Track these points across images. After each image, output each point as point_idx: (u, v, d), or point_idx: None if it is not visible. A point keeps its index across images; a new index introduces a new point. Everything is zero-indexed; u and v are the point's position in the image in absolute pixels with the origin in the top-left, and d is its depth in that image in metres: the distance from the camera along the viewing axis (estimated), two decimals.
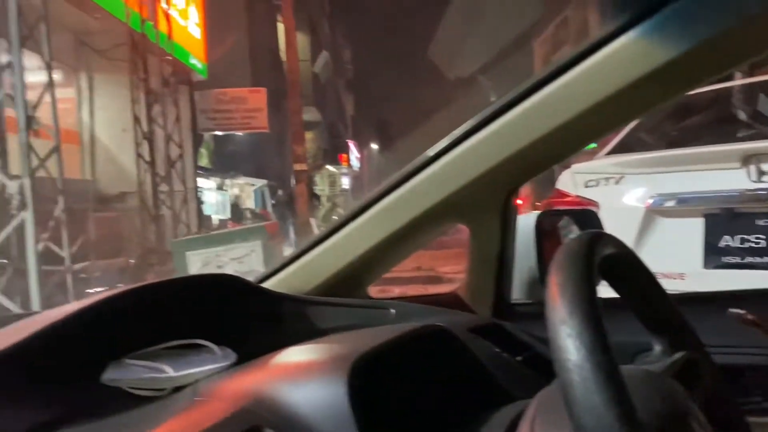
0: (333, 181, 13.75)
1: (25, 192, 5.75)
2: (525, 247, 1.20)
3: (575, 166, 2.87)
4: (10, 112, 6.22)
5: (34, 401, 0.70)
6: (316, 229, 12.75)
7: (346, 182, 34.08)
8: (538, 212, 1.31)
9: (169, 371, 0.75)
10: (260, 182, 20.48)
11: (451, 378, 0.82)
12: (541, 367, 0.92)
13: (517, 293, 1.22)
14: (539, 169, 1.04)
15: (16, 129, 5.99)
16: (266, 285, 1.11)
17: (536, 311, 1.14)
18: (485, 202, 1.06)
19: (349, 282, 1.13)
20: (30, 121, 6.00)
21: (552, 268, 0.54)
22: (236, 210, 15.76)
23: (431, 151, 1.04)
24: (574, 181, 2.81)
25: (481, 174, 0.99)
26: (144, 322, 0.85)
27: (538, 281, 1.24)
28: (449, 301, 1.15)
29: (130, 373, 0.76)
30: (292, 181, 14.63)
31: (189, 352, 0.81)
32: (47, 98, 6.47)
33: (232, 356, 0.81)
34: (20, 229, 5.84)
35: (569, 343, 0.48)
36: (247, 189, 20.44)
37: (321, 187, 13.50)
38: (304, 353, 0.76)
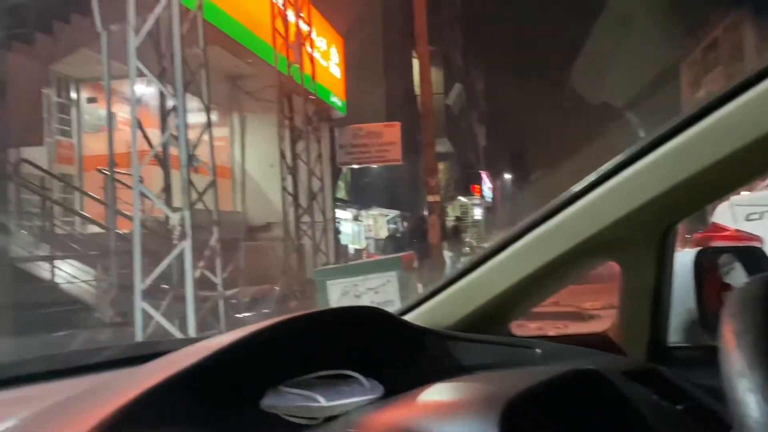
0: (465, 212, 13.72)
1: (186, 223, 6.28)
2: (682, 285, 1.12)
3: (734, 198, 2.65)
4: (173, 150, 6.90)
5: (200, 425, 0.75)
6: (448, 260, 12.75)
7: (478, 213, 33.87)
8: (696, 249, 1.22)
9: (322, 401, 0.77)
10: (393, 213, 20.92)
11: (604, 426, 0.78)
12: (706, 419, 0.85)
13: (674, 336, 1.13)
14: (700, 204, 0.97)
15: (179, 165, 6.61)
16: (408, 318, 1.12)
17: (698, 356, 1.06)
18: (639, 239, 1.00)
19: (491, 318, 1.11)
20: (190, 158, 6.59)
21: (726, 314, 0.51)
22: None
23: (579, 185, 1.00)
24: (732, 213, 2.60)
25: (635, 209, 0.94)
26: (296, 350, 0.89)
27: (698, 323, 1.15)
28: (598, 342, 1.09)
29: (286, 400, 0.79)
30: (425, 212, 14.80)
31: (339, 383, 0.84)
32: (205, 137, 7.09)
33: (380, 389, 0.82)
34: (179, 257, 6.38)
35: (750, 399, 0.44)
36: (380, 219, 20.95)
37: (453, 217, 13.52)
38: (453, 390, 0.75)
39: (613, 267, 1.09)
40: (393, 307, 1.16)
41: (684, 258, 1.15)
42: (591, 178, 0.99)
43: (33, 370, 1.06)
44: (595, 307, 7.49)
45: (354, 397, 0.79)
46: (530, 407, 0.69)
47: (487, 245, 1.23)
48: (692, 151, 0.89)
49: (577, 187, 1.01)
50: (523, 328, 1.22)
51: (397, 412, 0.72)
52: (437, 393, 0.75)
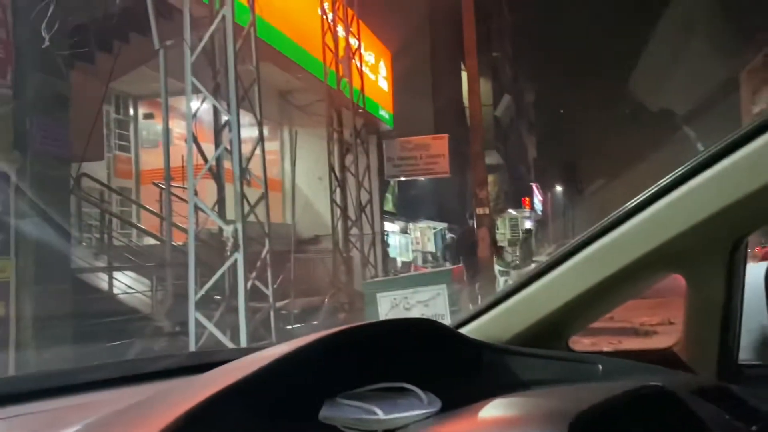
0: (515, 224, 13.53)
1: (238, 235, 6.39)
2: (754, 300, 1.07)
3: None
4: (226, 164, 7.04)
5: None
6: (498, 274, 12.58)
7: (529, 226, 33.38)
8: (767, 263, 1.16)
9: (379, 413, 0.76)
10: (441, 225, 20.83)
11: None
12: None
13: (744, 353, 1.08)
14: None
15: (232, 179, 6.74)
16: (463, 331, 1.10)
17: None
18: (706, 252, 0.96)
19: (549, 332, 1.08)
20: (243, 172, 6.72)
21: None
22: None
23: (642, 196, 0.97)
24: None
25: (703, 220, 0.90)
26: (352, 362, 0.88)
27: None
28: (663, 359, 1.05)
29: (344, 412, 0.79)
30: (474, 224, 14.67)
31: (395, 395, 0.83)
32: (257, 151, 7.22)
33: (437, 403, 0.81)
34: (232, 268, 6.49)
35: None
36: (428, 232, 20.88)
37: (502, 231, 13.34)
38: (516, 406, 0.73)
39: (670, 281, 1.05)
40: (443, 321, 1.15)
41: (755, 272, 1.10)
42: (653, 189, 0.96)
43: (97, 377, 1.09)
44: (651, 323, 7.25)
45: (412, 410, 0.78)
46: (597, 424, 0.66)
47: (539, 259, 1.20)
48: (763, 160, 0.85)
49: (639, 198, 0.97)
50: (577, 343, 1.18)
51: (457, 427, 0.70)
52: (499, 408, 0.73)
